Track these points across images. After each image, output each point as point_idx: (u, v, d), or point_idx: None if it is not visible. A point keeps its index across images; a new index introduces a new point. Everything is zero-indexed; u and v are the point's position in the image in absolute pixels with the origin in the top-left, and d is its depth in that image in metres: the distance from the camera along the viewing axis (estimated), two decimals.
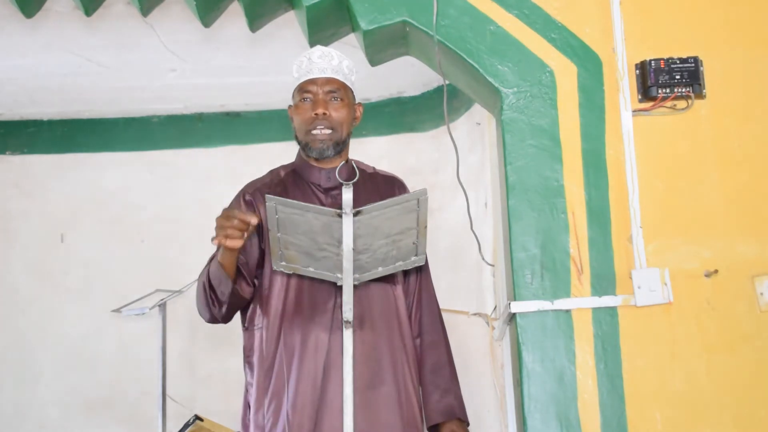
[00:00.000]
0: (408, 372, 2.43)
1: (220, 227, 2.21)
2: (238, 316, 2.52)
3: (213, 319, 2.45)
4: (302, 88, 2.48)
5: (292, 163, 2.59)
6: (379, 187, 2.56)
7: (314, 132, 2.45)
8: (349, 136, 2.53)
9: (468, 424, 2.51)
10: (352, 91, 2.54)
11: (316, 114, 2.44)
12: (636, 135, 2.68)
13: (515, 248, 2.65)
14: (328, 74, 2.47)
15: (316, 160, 2.51)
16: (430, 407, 2.45)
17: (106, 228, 5.02)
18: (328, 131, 2.45)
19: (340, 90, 2.48)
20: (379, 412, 2.36)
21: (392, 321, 2.44)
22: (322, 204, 2.46)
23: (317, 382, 2.33)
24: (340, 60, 2.51)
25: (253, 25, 3.17)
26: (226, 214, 2.22)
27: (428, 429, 2.47)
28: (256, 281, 2.48)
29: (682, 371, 2.56)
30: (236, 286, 2.38)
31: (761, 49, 2.76)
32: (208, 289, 2.38)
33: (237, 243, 2.21)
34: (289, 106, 2.54)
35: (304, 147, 2.49)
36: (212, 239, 2.22)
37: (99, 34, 4.12)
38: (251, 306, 2.48)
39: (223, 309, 2.41)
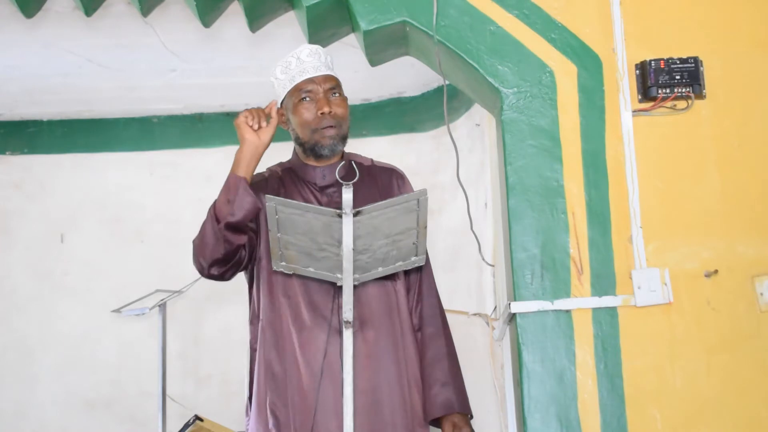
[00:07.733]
0: (412, 369, 2.43)
1: (243, 116, 2.36)
2: (243, 315, 2.52)
3: (215, 262, 2.38)
4: (300, 88, 2.46)
5: (288, 161, 2.59)
6: (376, 179, 2.56)
7: (323, 130, 2.45)
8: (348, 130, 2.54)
9: (471, 417, 2.48)
10: None
11: (322, 113, 2.44)
12: (636, 135, 2.68)
13: (515, 248, 2.65)
14: (324, 71, 2.48)
15: (314, 158, 2.51)
16: (429, 401, 2.43)
17: (106, 228, 5.02)
18: (336, 128, 2.46)
19: (339, 86, 2.49)
20: (383, 413, 2.35)
21: (393, 318, 2.44)
22: (318, 202, 2.46)
23: (314, 384, 2.33)
24: (326, 56, 2.52)
25: (253, 25, 3.17)
26: (246, 112, 2.37)
27: (431, 423, 2.46)
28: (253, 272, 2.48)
29: (682, 371, 2.56)
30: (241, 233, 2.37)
31: (761, 49, 2.76)
32: (214, 222, 2.34)
33: (255, 127, 2.35)
34: (278, 108, 2.49)
35: (312, 147, 2.47)
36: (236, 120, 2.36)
37: (99, 34, 4.12)
38: (255, 301, 2.48)
39: (233, 241, 2.35)
